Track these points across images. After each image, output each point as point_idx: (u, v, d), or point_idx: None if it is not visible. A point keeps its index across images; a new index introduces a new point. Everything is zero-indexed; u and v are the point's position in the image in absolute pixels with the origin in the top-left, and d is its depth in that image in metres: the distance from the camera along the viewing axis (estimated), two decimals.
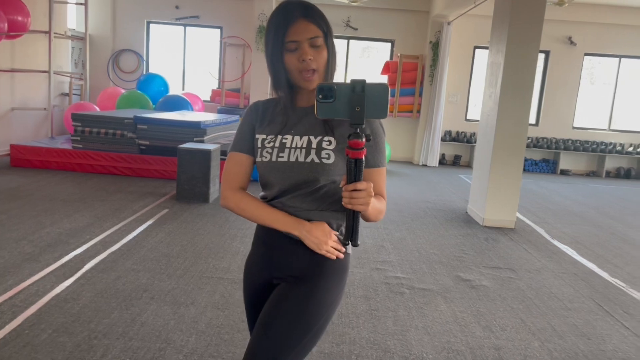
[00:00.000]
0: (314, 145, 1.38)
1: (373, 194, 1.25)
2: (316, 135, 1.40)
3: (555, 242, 5.41)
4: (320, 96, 1.18)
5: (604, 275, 4.46)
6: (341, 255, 1.45)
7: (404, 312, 3.35)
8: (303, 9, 1.37)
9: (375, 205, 1.34)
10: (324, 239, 1.41)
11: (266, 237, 1.52)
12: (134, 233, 4.57)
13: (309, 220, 1.43)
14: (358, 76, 1.35)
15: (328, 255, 1.43)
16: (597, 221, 6.58)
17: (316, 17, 1.37)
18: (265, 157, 1.41)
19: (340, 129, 1.41)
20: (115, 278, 3.56)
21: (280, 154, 1.40)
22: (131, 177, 6.95)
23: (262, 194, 1.53)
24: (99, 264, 3.80)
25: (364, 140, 1.17)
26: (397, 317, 3.27)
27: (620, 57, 10.99)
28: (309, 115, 1.42)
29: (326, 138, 1.40)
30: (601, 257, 5.00)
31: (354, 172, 1.20)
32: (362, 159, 1.19)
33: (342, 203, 1.24)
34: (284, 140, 1.41)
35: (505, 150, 5.76)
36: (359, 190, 1.21)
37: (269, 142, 1.42)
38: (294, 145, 1.40)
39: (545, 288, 4.04)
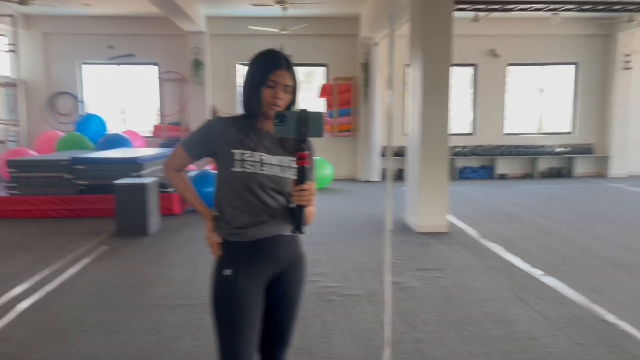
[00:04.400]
0: (286, 164, 1.78)
1: (315, 193, 1.69)
2: (284, 155, 1.79)
3: (484, 241, 5.74)
4: (277, 121, 1.63)
5: (525, 266, 4.79)
6: (215, 255, 1.84)
7: (331, 317, 3.54)
8: (287, 62, 1.80)
9: (310, 209, 1.78)
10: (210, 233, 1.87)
11: (263, 242, 1.79)
12: (71, 271, 4.60)
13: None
14: (301, 103, 1.90)
15: (210, 244, 1.85)
16: (525, 219, 7.00)
17: (293, 71, 1.81)
18: (249, 169, 1.75)
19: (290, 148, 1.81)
20: (49, 315, 3.60)
21: (262, 168, 1.76)
22: (71, 219, 6.93)
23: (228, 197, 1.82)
24: (33, 304, 3.83)
25: (307, 152, 1.64)
26: (324, 322, 3.45)
27: (541, 64, 11.75)
28: (273, 137, 1.80)
29: (291, 158, 1.79)
30: (524, 250, 5.35)
31: (301, 176, 1.65)
32: (307, 166, 1.65)
33: (292, 200, 1.68)
34: (261, 157, 1.77)
35: (431, 159, 6.09)
36: (305, 189, 1.66)
37: (249, 157, 1.75)
38: (270, 162, 1.77)
39: (468, 283, 4.32)
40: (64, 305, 3.80)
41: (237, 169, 1.75)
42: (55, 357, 2.97)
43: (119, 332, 3.30)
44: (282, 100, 1.77)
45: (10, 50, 9.33)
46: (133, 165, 6.98)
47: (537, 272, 4.59)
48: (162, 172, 2.01)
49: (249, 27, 9.85)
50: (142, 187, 5.82)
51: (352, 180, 11.14)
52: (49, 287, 4.18)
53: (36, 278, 4.42)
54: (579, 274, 4.56)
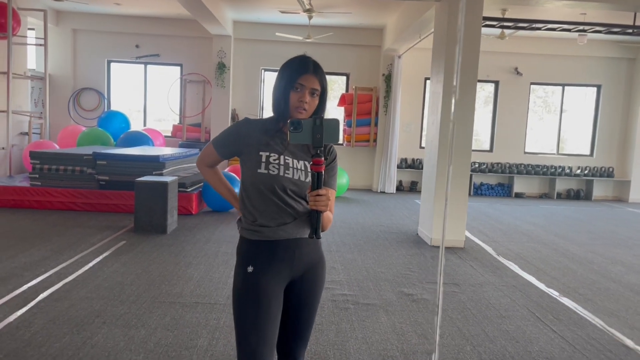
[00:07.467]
0: (309, 169, 1.78)
1: (331, 198, 1.71)
2: (309, 160, 1.81)
3: (500, 259, 5.71)
4: (291, 128, 1.63)
5: (541, 286, 4.76)
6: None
7: (346, 325, 3.54)
8: (316, 67, 1.84)
9: (327, 215, 1.83)
10: None
11: (284, 243, 1.83)
12: (90, 264, 4.66)
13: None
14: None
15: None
16: (542, 239, 6.94)
17: (322, 76, 1.84)
18: (273, 171, 1.78)
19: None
20: (68, 306, 3.65)
21: (286, 171, 1.79)
22: (90, 212, 7.02)
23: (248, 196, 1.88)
24: (52, 294, 3.89)
25: (323, 158, 1.64)
26: (340, 329, 3.46)
27: (563, 85, 11.68)
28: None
29: None
30: (541, 270, 5.31)
31: (317, 182, 1.66)
32: (322, 172, 1.66)
33: (309, 206, 1.71)
34: (286, 160, 1.80)
35: (451, 173, 6.06)
36: (321, 195, 1.66)
37: (274, 159, 1.80)
38: (295, 166, 1.81)
39: (484, 300, 4.29)
40: (83, 296, 3.85)
41: (262, 170, 1.79)
42: (75, 347, 3.01)
43: (138, 327, 3.33)
44: (309, 104, 1.80)
45: (40, 45, 9.50)
46: (155, 164, 7.06)
47: (554, 293, 4.55)
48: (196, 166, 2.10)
49: (277, 33, 9.94)
50: (163, 185, 5.88)
51: (368, 190, 11.15)
52: (68, 278, 4.24)
53: (56, 269, 4.49)
54: (597, 297, 4.51)
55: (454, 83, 2.38)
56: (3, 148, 8.56)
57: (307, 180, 1.81)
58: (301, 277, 1.88)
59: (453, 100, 2.42)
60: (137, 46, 10.90)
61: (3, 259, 4.71)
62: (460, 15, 2.22)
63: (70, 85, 10.94)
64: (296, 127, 1.63)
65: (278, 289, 1.83)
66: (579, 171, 11.51)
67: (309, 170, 1.80)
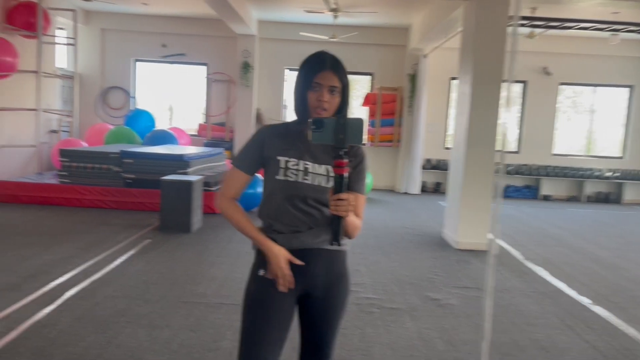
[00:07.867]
0: (331, 174, 1.67)
1: (353, 203, 1.58)
2: (330, 164, 1.68)
3: (528, 264, 5.58)
4: (313, 127, 1.55)
5: (572, 293, 4.62)
6: (284, 289, 1.74)
7: (371, 330, 3.49)
8: (333, 62, 1.72)
9: (354, 221, 1.68)
10: (279, 266, 1.72)
11: (298, 253, 1.74)
12: (116, 262, 4.70)
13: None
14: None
15: (277, 278, 1.72)
16: (570, 243, 6.77)
17: (340, 72, 1.72)
18: (291, 178, 1.70)
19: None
20: (94, 304, 3.68)
21: (305, 177, 1.70)
22: (117, 210, 7.10)
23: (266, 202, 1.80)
24: (79, 292, 3.92)
25: (346, 160, 1.53)
26: (364, 334, 3.41)
27: (594, 85, 11.39)
28: (323, 145, 1.66)
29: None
30: (571, 276, 5.17)
31: (339, 185, 1.55)
32: (344, 174, 1.54)
33: (330, 210, 1.57)
34: (306, 165, 1.71)
35: (476, 175, 5.96)
36: (343, 199, 1.53)
37: (293, 165, 1.71)
38: (315, 172, 1.71)
39: (512, 306, 4.19)
40: (108, 295, 3.88)
41: (280, 177, 1.72)
42: (100, 346, 3.03)
43: (162, 327, 3.34)
44: (329, 103, 1.69)
45: (69, 44, 9.67)
46: (180, 163, 7.11)
47: (585, 300, 4.42)
48: (216, 204, 1.94)
49: (301, 33, 9.92)
50: (189, 184, 5.91)
51: (391, 191, 11.05)
52: (94, 277, 4.28)
53: (82, 266, 4.54)
54: (630, 305, 4.37)
55: (506, 93, 2.29)
56: (33, 146, 8.72)
57: (329, 185, 1.70)
58: (321, 292, 1.78)
59: (503, 111, 2.33)
60: (163, 45, 11.00)
61: (31, 255, 4.79)
62: (514, 18, 2.15)
63: (99, 84, 11.10)
64: (318, 126, 1.54)
65: (288, 296, 1.75)
66: (609, 174, 11.21)
67: (331, 175, 1.70)
